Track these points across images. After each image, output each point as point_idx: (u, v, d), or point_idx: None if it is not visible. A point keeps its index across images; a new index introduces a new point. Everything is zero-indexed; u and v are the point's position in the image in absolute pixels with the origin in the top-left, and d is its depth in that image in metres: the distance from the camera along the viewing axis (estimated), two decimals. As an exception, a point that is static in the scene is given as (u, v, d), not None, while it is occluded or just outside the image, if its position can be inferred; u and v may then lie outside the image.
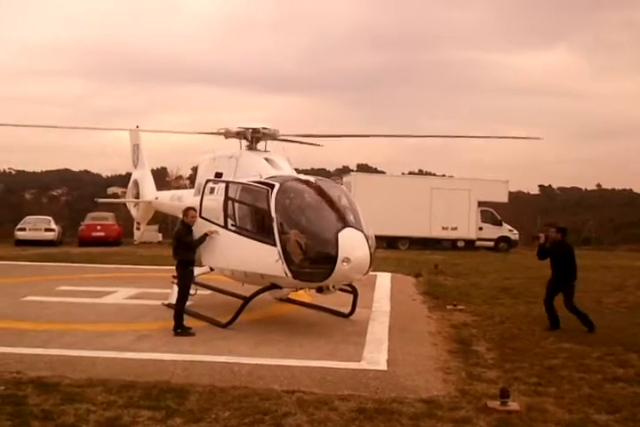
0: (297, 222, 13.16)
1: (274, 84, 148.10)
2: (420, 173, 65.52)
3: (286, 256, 12.58)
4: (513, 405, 9.04)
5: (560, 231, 14.84)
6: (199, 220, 14.47)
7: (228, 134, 15.78)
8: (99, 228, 40.91)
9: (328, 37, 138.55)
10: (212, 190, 14.91)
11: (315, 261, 12.78)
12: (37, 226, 40.11)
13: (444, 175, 51.82)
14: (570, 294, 14.42)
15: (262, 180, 13.72)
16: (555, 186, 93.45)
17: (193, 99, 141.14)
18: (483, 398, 9.46)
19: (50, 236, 39.99)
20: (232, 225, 13.90)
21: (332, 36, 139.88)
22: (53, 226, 40.68)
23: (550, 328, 14.50)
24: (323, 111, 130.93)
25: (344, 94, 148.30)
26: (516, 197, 54.50)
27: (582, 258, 34.86)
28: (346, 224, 12.90)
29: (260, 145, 15.73)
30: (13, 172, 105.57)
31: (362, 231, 13.03)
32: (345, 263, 12.46)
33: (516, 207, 54.59)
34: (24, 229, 40.02)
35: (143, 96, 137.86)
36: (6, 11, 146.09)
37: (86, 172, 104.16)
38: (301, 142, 16.79)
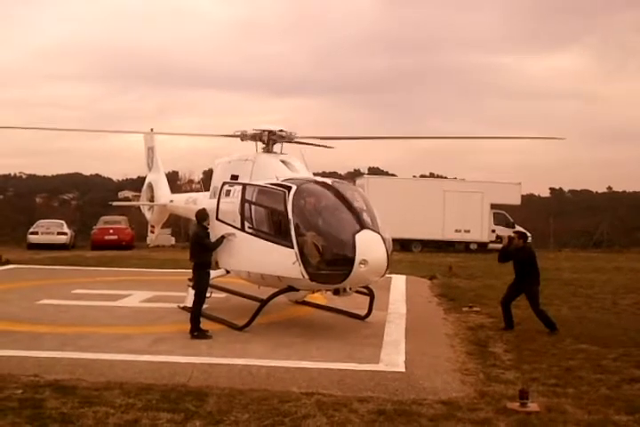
0: (314, 224, 13.18)
1: (286, 87, 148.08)
2: (432, 176, 65.33)
3: (303, 258, 12.59)
4: (532, 406, 9.02)
5: (522, 237, 15.10)
6: (216, 222, 14.48)
7: (244, 137, 15.78)
8: (111, 231, 40.84)
9: (340, 41, 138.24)
10: (228, 193, 14.92)
11: (332, 263, 12.78)
12: (50, 229, 40.02)
13: (455, 178, 51.57)
14: (534, 298, 14.54)
15: (279, 182, 13.73)
16: (565, 189, 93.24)
17: (205, 103, 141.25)
18: (502, 399, 9.46)
19: (62, 239, 39.88)
20: (249, 227, 13.93)
21: (345, 40, 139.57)
22: (66, 229, 40.59)
23: (505, 328, 14.61)
24: (334, 114, 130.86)
25: (356, 97, 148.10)
26: (527, 199, 54.24)
27: (594, 260, 35.39)
28: (363, 226, 12.90)
29: (276, 147, 15.73)
30: (24, 176, 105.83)
31: (379, 233, 13.03)
32: (362, 265, 12.46)
33: (528, 210, 54.38)
34: (36, 233, 39.90)
35: (156, 100, 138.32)
36: (21, 14, 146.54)
37: (97, 176, 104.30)
38: (315, 145, 16.78)
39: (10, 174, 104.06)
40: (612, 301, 19.23)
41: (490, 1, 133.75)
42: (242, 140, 15.88)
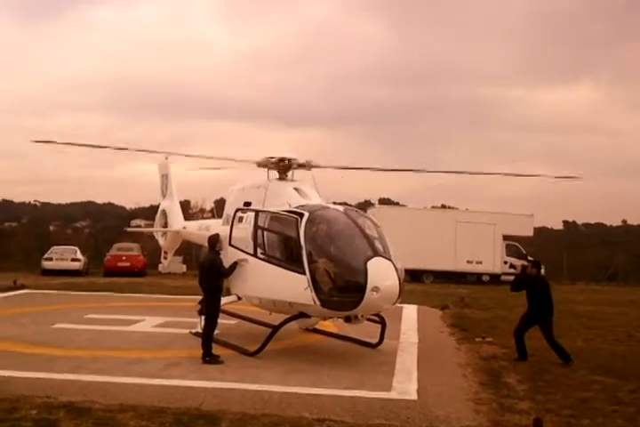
0: (326, 251, 13.21)
1: (296, 118, 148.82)
2: (443, 207, 65.27)
3: (315, 285, 12.61)
4: (546, 435, 8.97)
5: (535, 266, 15.01)
6: (228, 248, 14.54)
7: (257, 164, 15.89)
8: (124, 258, 40.96)
9: (349, 72, 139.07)
10: (240, 219, 15.02)
11: (344, 290, 12.79)
12: (64, 256, 40.26)
13: (467, 209, 51.50)
14: (547, 329, 14.42)
15: (291, 208, 13.81)
16: (579, 222, 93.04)
17: (217, 133, 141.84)
18: (516, 429, 9.40)
19: (76, 266, 40.07)
20: (261, 253, 13.98)
21: (354, 71, 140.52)
22: (79, 256, 40.82)
23: (518, 359, 14.49)
24: (344, 145, 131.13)
25: (365, 128, 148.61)
26: (539, 232, 54.13)
27: (609, 293, 35.14)
28: (375, 253, 12.93)
29: (289, 175, 15.83)
30: (39, 204, 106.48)
31: (390, 260, 13.05)
32: (374, 292, 12.46)
33: (541, 242, 54.26)
34: (51, 259, 40.18)
35: (169, 130, 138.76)
36: (38, 46, 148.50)
37: (110, 204, 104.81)
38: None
39: (24, 202, 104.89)
40: (627, 333, 19.09)
41: (500, 33, 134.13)
42: (258, 166, 15.98)
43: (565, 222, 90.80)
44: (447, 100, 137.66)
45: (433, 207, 57.18)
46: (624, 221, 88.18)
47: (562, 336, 15.79)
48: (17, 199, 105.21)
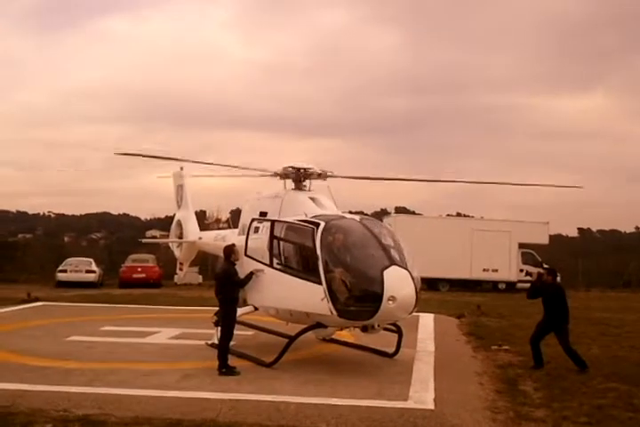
0: (342, 261, 13.18)
1: (312, 128, 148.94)
2: (459, 215, 65.15)
3: (332, 294, 12.57)
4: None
5: (550, 273, 14.99)
6: (244, 258, 14.54)
7: (274, 174, 15.92)
8: (139, 269, 41.04)
9: (366, 82, 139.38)
10: (256, 229, 15.01)
11: (360, 300, 12.76)
12: (79, 267, 40.26)
13: (482, 217, 51.42)
14: (563, 336, 14.37)
15: (307, 218, 13.79)
16: (594, 228, 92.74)
17: (232, 143, 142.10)
18: (533, 437, 9.35)
19: (91, 277, 40.09)
20: (277, 264, 13.97)
21: (370, 81, 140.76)
22: (94, 268, 40.86)
23: (534, 367, 14.43)
24: (360, 155, 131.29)
25: (381, 138, 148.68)
26: (555, 239, 54.02)
27: (624, 300, 35.00)
28: (391, 262, 12.89)
29: (305, 185, 15.83)
30: (53, 215, 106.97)
31: (407, 270, 13.01)
32: (391, 302, 12.43)
33: (556, 249, 54.13)
34: (65, 271, 40.17)
35: (184, 141, 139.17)
36: (52, 58, 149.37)
37: (125, 215, 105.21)
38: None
39: (39, 214, 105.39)
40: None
41: (514, 43, 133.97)
42: (274, 177, 16.01)
43: (580, 229, 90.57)
44: (462, 110, 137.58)
45: (448, 215, 57.07)
46: (637, 228, 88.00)
47: (577, 343, 15.73)
48: (31, 211, 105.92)
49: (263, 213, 15.46)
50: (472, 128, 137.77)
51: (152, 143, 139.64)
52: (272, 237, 14.15)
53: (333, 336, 16.13)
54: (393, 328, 14.46)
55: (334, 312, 12.60)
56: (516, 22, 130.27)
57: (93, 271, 40.51)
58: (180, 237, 21.96)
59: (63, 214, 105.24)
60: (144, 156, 15.31)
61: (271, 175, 16.06)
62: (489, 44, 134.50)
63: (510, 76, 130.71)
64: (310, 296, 12.84)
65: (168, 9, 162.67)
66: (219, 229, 34.39)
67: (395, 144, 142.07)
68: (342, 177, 16.41)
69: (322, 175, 15.89)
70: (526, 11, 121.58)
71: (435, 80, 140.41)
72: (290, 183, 15.88)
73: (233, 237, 16.70)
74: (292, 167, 15.66)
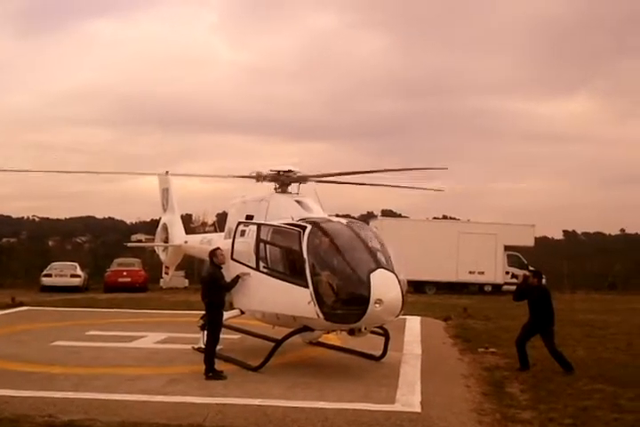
0: (329, 264, 13.18)
1: (301, 131, 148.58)
2: (445, 218, 65.27)
3: (318, 298, 12.58)
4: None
5: (536, 276, 15.06)
6: (230, 262, 14.51)
7: (259, 177, 15.90)
8: (125, 273, 40.84)
9: (355, 86, 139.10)
10: (243, 233, 14.97)
11: (347, 303, 12.76)
12: (64, 272, 40.10)
13: (468, 220, 51.60)
14: (549, 338, 14.43)
15: (294, 222, 13.78)
16: (579, 231, 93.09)
17: (220, 147, 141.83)
18: (519, 439, 9.37)
19: (76, 282, 39.93)
20: (264, 267, 13.93)
21: (357, 85, 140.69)
22: (79, 272, 40.68)
23: (520, 369, 14.48)
24: (347, 158, 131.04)
25: (372, 142, 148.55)
26: (540, 242, 54.24)
27: (609, 302, 35.17)
28: (378, 265, 12.91)
29: (292, 188, 15.83)
30: (37, 219, 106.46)
31: (394, 273, 13.03)
32: (377, 305, 12.44)
33: (542, 252, 54.38)
34: (50, 275, 39.98)
35: (170, 144, 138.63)
36: (39, 60, 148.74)
37: (110, 219, 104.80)
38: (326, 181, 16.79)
39: (23, 217, 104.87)
40: (628, 341, 19.12)
41: (504, 47, 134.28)
42: (257, 180, 15.99)
43: (566, 232, 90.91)
44: (452, 113, 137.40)
45: (435, 218, 57.20)
46: (622, 230, 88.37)
47: (563, 345, 15.80)
48: (15, 214, 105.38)
49: (249, 217, 15.43)
50: (461, 131, 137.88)
51: (140, 146, 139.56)
52: (258, 240, 14.12)
53: (320, 340, 16.10)
54: (380, 331, 14.44)
55: (321, 315, 12.59)
56: (504, 27, 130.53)
57: (78, 276, 40.35)
58: (166, 240, 21.86)
59: (48, 218, 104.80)
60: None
61: (256, 178, 16.01)
62: (478, 49, 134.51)
63: (499, 79, 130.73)
64: (297, 300, 12.83)
65: (156, 12, 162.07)
66: (205, 232, 34.37)
67: (384, 147, 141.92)
68: (328, 181, 16.42)
69: (308, 178, 15.87)
70: (514, 16, 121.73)
71: (424, 84, 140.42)
72: (276, 186, 15.85)
73: (219, 240, 16.64)
74: (277, 170, 15.65)
